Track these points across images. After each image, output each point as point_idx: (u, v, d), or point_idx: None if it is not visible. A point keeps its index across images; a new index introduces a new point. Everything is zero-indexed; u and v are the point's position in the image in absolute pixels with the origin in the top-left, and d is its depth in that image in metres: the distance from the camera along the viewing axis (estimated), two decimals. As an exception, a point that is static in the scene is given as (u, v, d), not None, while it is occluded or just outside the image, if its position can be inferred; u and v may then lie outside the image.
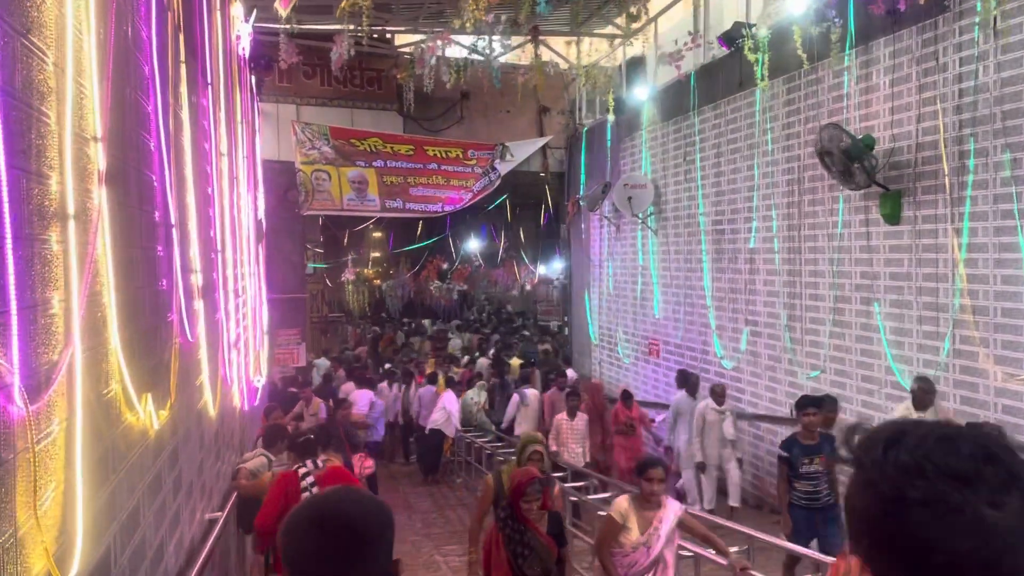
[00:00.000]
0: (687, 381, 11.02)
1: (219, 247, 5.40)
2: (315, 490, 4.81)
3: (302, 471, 4.94)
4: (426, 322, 26.70)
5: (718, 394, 9.62)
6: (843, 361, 8.68)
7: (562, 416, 10.01)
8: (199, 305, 4.30)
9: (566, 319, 19.03)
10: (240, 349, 7.40)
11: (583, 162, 16.36)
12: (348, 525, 1.47)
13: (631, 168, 14.12)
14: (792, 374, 9.60)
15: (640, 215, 13.22)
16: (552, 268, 24.46)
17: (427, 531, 9.52)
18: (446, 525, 9.57)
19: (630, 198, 12.98)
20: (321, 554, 1.44)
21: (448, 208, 16.08)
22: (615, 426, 10.45)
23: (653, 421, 11.27)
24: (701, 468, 9.59)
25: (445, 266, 25.04)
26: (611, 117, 14.07)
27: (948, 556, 0.81)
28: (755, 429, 10.37)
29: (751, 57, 9.38)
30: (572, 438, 9.90)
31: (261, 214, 11.33)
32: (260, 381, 10.14)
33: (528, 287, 23.69)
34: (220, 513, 4.69)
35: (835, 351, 8.81)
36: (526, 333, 24.84)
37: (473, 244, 26.23)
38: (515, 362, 17.34)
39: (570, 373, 14.00)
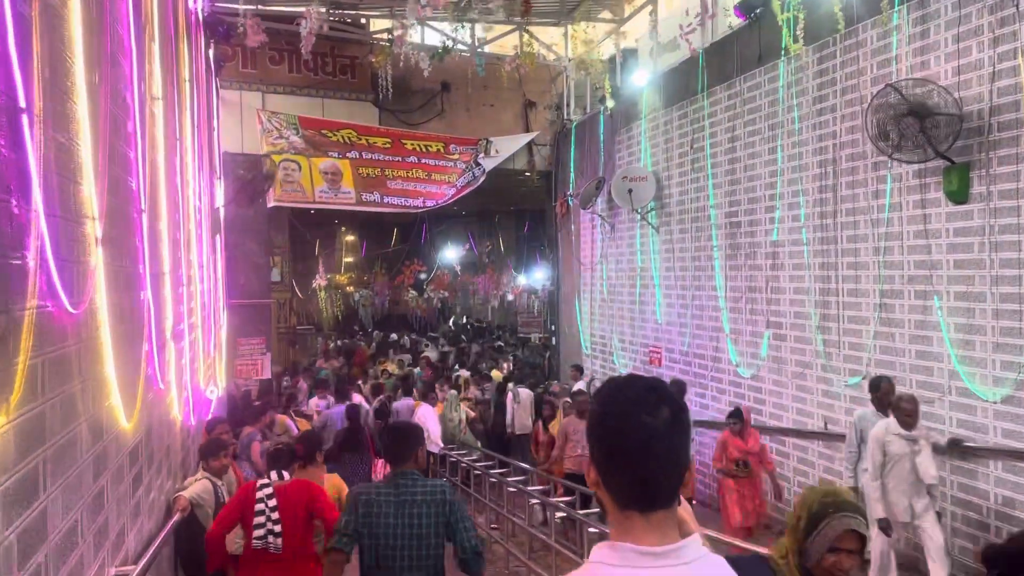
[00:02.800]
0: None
1: (144, 206, 4.08)
2: (272, 503, 4.40)
3: (260, 482, 4.58)
4: (399, 336, 25.34)
5: (906, 410, 6.22)
6: (893, 366, 7.51)
7: None
8: (96, 265, 2.98)
9: (553, 328, 17.76)
10: (184, 349, 6.05)
11: (572, 159, 15.20)
12: (404, 427, 4.27)
13: (629, 161, 12.96)
14: (826, 381, 8.42)
15: (639, 211, 12.05)
16: (533, 278, 23.25)
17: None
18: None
19: (630, 191, 11.82)
20: (395, 438, 3.91)
21: (430, 204, 14.79)
22: (720, 463, 7.93)
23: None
24: (884, 528, 6.23)
25: (423, 275, 23.69)
26: (610, 103, 12.92)
27: (625, 443, 1.40)
28: (779, 445, 9.17)
29: (781, 18, 8.25)
30: None
31: (219, 203, 9.97)
32: (215, 393, 8.75)
33: (511, 296, 22.40)
34: (133, 567, 3.35)
35: (882, 354, 7.65)
36: (500, 344, 23.53)
37: (451, 252, 24.94)
38: (496, 374, 16.10)
39: (579, 387, 12.57)
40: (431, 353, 20.79)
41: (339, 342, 23.22)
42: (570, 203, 15.27)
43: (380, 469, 10.10)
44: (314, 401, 12.38)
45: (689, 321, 11.20)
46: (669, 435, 1.39)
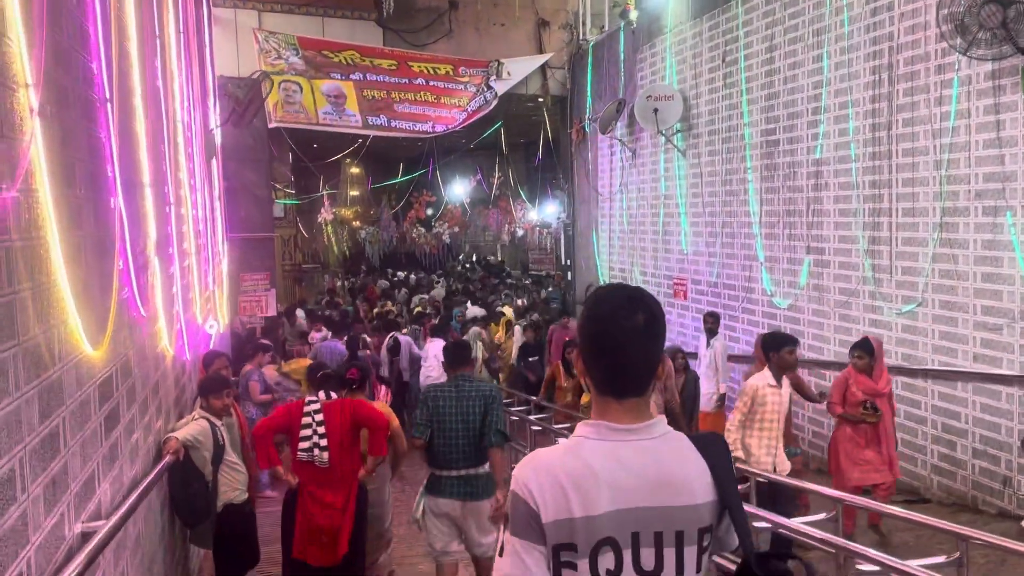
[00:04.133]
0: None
1: (110, 96, 3.38)
2: (319, 418, 4.61)
3: (308, 398, 4.78)
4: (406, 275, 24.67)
5: None
6: (954, 291, 6.84)
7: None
8: (30, 141, 2.31)
9: (567, 263, 17.11)
10: (175, 276, 5.42)
11: (589, 82, 14.31)
12: (462, 342, 5.40)
13: (652, 81, 12.10)
14: (874, 310, 7.77)
15: (664, 132, 11.26)
16: (545, 212, 22.48)
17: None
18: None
19: (655, 111, 11.01)
20: (456, 349, 4.99)
21: (440, 129, 13.96)
22: (840, 407, 6.18)
23: None
24: None
25: (430, 211, 22.92)
26: (633, 14, 11.99)
27: (604, 342, 1.68)
28: (819, 380, 8.58)
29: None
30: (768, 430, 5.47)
31: (214, 125, 9.22)
32: (215, 328, 8.16)
33: (521, 232, 21.65)
34: (103, 522, 2.76)
35: (941, 278, 6.97)
36: (510, 281, 22.89)
37: (459, 188, 24.09)
38: (507, 310, 15.48)
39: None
40: (438, 291, 20.20)
41: (350, 279, 22.65)
42: (587, 129, 14.45)
43: (383, 396, 9.82)
44: (313, 334, 11.88)
45: (718, 250, 10.51)
46: (642, 337, 1.66)
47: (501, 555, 1.62)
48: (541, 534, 1.57)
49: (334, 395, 4.81)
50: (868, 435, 6.08)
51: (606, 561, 1.57)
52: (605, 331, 1.66)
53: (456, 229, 20.27)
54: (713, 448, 1.70)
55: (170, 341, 5.05)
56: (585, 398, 8.12)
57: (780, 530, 4.38)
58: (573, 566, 1.57)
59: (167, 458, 4.22)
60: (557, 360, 9.96)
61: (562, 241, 20.20)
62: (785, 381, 5.53)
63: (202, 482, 4.75)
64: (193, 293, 6.69)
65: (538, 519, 1.56)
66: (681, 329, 11.66)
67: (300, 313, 13.47)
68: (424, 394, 4.72)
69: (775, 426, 5.40)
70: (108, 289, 3.30)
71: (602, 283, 14.47)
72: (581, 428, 1.69)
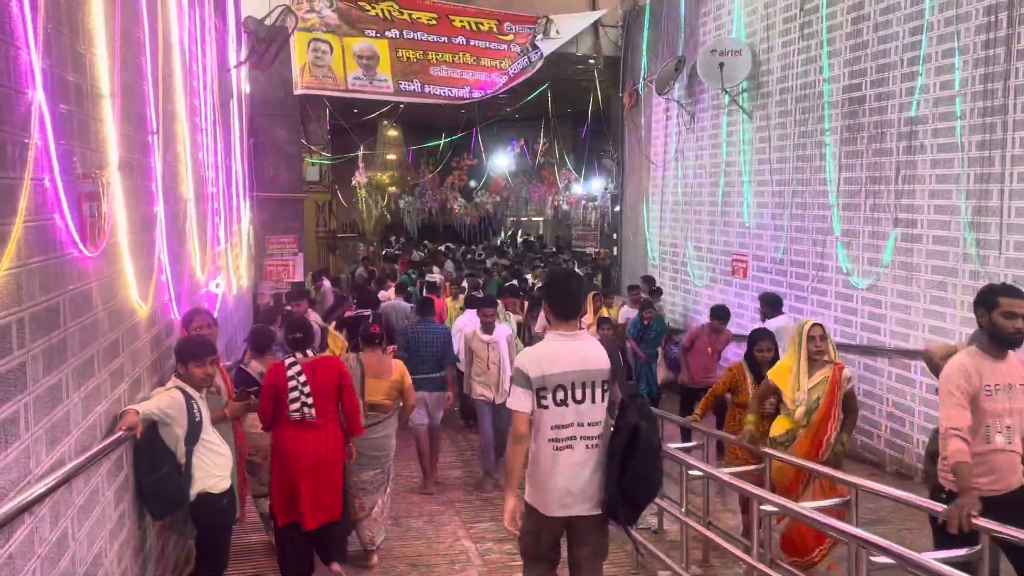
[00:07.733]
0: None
1: None
2: (302, 379, 4.78)
3: (287, 361, 4.85)
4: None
5: None
6: (1083, 270, 5.72)
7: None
8: None
9: (614, 236, 16.08)
10: (158, 217, 4.59)
11: (645, 40, 13.19)
12: (424, 300, 8.68)
13: (716, 35, 10.97)
14: (974, 292, 6.64)
15: (729, 91, 10.16)
16: (591, 187, 21.40)
17: (448, 497, 6.81)
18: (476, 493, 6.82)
19: (721, 66, 9.91)
20: (421, 306, 8.12)
21: (477, 94, 13.00)
22: None
23: None
24: None
25: (472, 183, 21.97)
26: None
27: (560, 293, 3.77)
28: (903, 371, 7.50)
29: None
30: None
31: (235, 63, 8.38)
32: (220, 288, 7.37)
33: (566, 206, 20.60)
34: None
35: (1067, 256, 5.85)
36: (564, 257, 21.89)
37: (502, 159, 23.08)
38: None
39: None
40: (449, 265, 19.24)
41: (385, 249, 21.91)
42: (640, 91, 13.37)
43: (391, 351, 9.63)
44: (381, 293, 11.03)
45: (786, 223, 9.41)
46: (576, 292, 3.72)
47: (510, 395, 3.58)
48: (529, 384, 3.51)
49: (310, 353, 5.00)
50: None
51: (559, 394, 3.52)
52: (561, 290, 3.73)
53: (498, 198, 19.29)
54: (608, 346, 3.74)
55: (144, 295, 4.22)
56: (778, 426, 5.14)
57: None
58: (544, 397, 3.52)
59: (117, 434, 3.39)
60: (701, 368, 8.40)
61: (608, 216, 19.18)
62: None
63: (173, 464, 3.93)
64: (190, 244, 5.87)
65: (528, 377, 3.51)
66: (739, 310, 10.61)
67: (327, 283, 12.68)
68: (404, 330, 7.26)
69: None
70: (8, 210, 2.44)
71: (650, 259, 13.49)
72: (549, 334, 3.73)
